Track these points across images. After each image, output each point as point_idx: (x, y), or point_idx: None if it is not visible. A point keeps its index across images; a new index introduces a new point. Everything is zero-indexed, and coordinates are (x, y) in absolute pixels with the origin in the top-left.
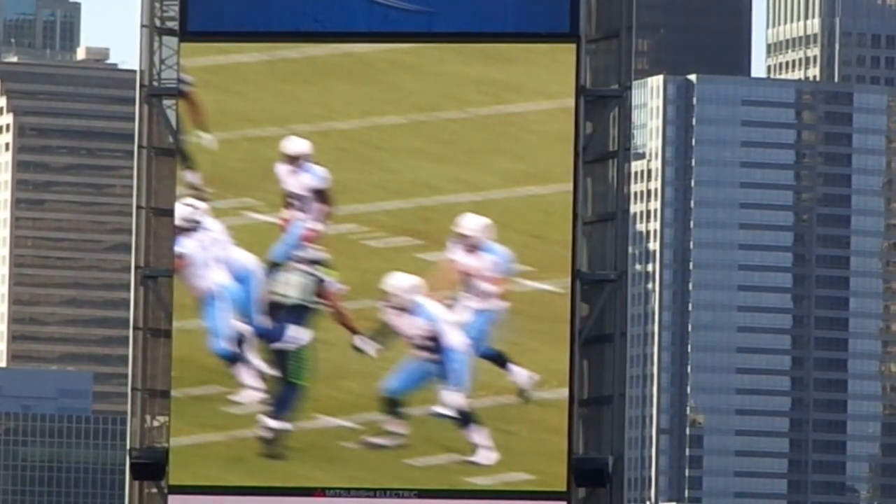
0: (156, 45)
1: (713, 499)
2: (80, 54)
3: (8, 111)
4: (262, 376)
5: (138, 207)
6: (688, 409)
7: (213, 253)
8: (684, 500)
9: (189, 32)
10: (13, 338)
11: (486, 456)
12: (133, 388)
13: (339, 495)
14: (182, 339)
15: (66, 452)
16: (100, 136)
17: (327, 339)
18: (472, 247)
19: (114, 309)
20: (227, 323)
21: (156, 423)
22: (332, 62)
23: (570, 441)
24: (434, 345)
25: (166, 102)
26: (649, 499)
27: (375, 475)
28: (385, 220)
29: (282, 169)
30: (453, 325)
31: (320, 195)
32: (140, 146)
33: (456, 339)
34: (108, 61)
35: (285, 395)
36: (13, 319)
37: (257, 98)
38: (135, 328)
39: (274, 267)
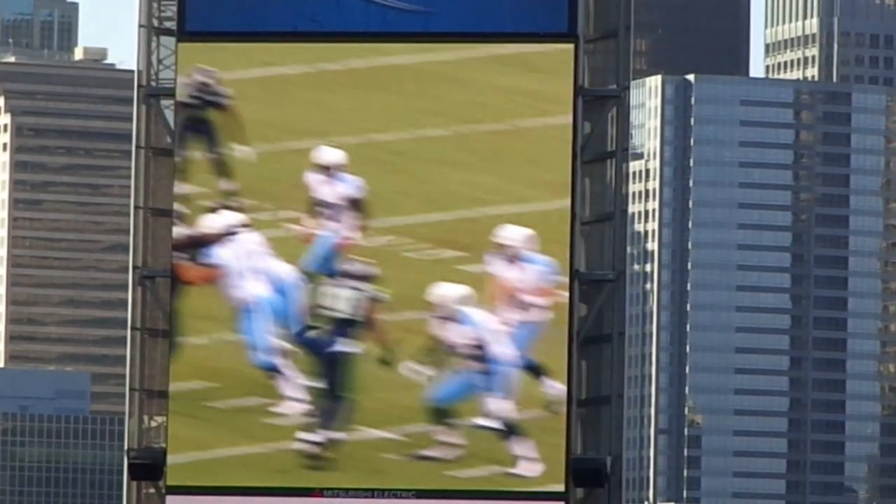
0: (153, 45)
1: (711, 499)
2: (78, 54)
3: (5, 111)
4: (306, 388)
5: (136, 208)
6: (686, 409)
7: (249, 263)
8: (682, 501)
9: (187, 32)
10: (11, 338)
11: (529, 468)
12: (131, 389)
13: (338, 495)
14: (219, 351)
15: (64, 453)
16: (97, 137)
17: (374, 352)
18: (513, 257)
19: (111, 309)
20: (267, 334)
21: (153, 424)
22: (371, 73)
23: (568, 441)
24: (480, 354)
25: (164, 103)
26: (647, 499)
27: (419, 488)
28: (425, 232)
29: (314, 178)
30: (499, 335)
31: (355, 204)
32: (138, 146)
33: (502, 350)
34: (106, 61)
35: (330, 406)
36: (11, 320)
37: (297, 110)
38: (132, 328)
39: (313, 278)
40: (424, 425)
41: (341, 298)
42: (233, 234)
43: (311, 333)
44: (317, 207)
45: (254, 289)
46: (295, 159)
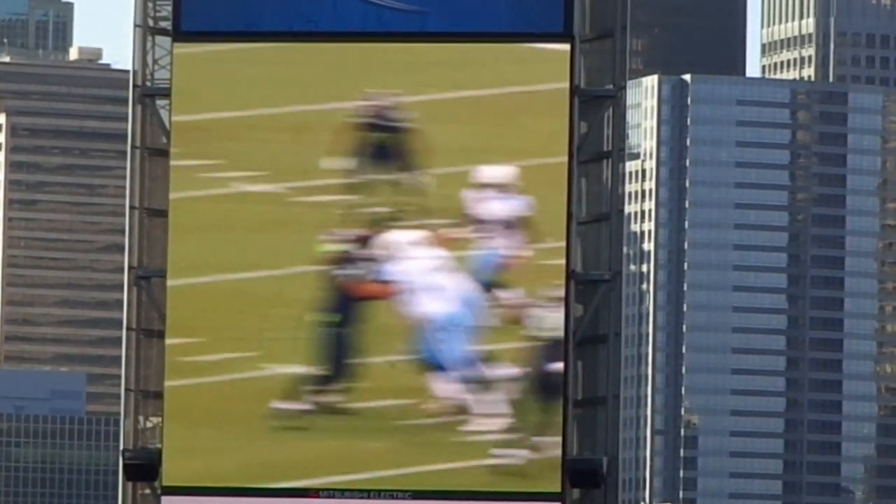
0: (149, 45)
1: (708, 500)
2: (73, 54)
3: (0, 111)
4: (505, 402)
5: (132, 208)
6: (682, 409)
7: (427, 280)
8: (679, 501)
9: (182, 32)
10: (6, 338)
11: None
12: (126, 389)
13: (334, 496)
14: (402, 368)
15: (59, 453)
16: (93, 137)
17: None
18: None
19: (107, 310)
20: (452, 351)
21: (149, 424)
22: (549, 96)
23: (564, 442)
24: None
25: (159, 103)
26: (644, 500)
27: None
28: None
29: (481, 196)
30: None
31: (523, 223)
32: (133, 146)
33: None
34: (101, 61)
35: (531, 422)
36: (6, 320)
37: (476, 132)
38: (128, 329)
39: (487, 294)
40: None
41: (548, 319)
42: (410, 251)
43: (502, 351)
44: (483, 225)
45: (433, 305)
46: (471, 179)
